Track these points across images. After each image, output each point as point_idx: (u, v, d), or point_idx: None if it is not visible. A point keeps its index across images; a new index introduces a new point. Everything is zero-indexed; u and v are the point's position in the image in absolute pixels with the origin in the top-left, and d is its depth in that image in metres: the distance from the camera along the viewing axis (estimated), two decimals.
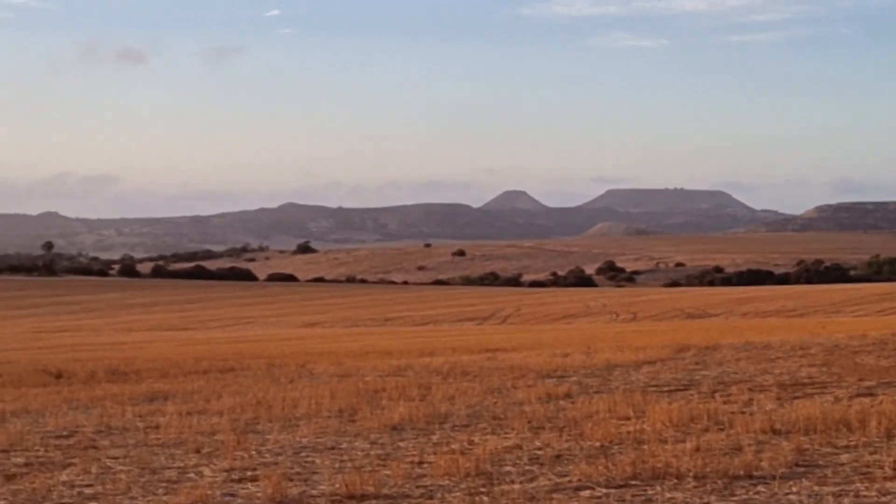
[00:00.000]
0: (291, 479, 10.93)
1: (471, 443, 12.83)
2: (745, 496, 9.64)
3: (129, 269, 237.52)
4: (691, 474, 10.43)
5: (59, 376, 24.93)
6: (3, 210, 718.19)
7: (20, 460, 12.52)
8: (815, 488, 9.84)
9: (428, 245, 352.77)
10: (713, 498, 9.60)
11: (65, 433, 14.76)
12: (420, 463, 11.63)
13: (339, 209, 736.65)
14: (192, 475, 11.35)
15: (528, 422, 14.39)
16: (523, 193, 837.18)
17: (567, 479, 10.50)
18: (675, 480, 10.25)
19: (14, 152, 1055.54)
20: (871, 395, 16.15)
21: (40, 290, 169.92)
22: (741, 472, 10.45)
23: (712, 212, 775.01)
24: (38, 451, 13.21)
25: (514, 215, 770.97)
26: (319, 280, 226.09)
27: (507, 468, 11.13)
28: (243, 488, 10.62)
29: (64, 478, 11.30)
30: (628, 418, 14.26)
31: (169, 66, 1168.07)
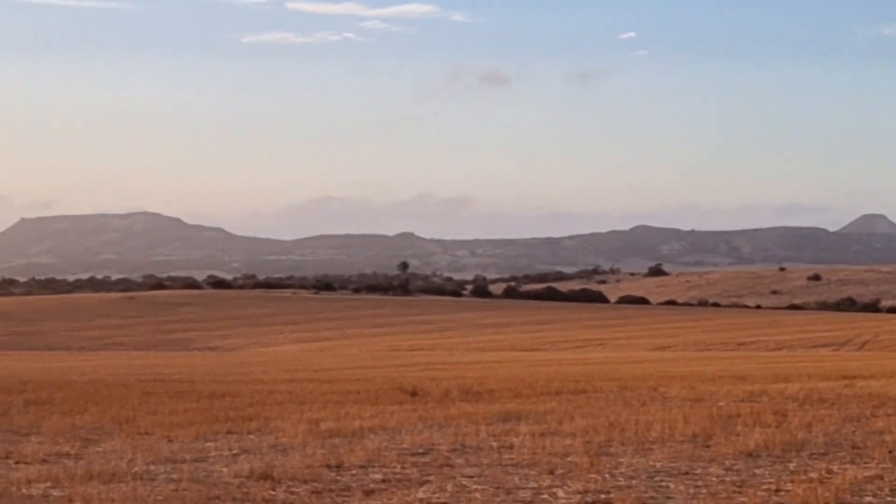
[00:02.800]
0: None
1: (829, 472, 12.44)
2: None
3: (481, 289, 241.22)
4: None
5: (414, 394, 25.44)
6: (362, 230, 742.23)
7: (378, 476, 12.79)
8: None
9: (782, 269, 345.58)
10: None
11: (420, 451, 15.01)
12: (777, 491, 11.34)
13: (692, 232, 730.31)
14: (545, 496, 11.37)
15: (889, 451, 13.86)
16: (882, 217, 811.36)
17: None
18: None
19: (376, 174, 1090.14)
20: None
21: (396, 309, 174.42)
22: None
23: None
24: (394, 467, 13.47)
25: (872, 239, 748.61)
26: (671, 303, 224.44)
27: (868, 499, 10.73)
28: None
29: (420, 495, 11.49)
30: None
31: (532, 89, 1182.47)
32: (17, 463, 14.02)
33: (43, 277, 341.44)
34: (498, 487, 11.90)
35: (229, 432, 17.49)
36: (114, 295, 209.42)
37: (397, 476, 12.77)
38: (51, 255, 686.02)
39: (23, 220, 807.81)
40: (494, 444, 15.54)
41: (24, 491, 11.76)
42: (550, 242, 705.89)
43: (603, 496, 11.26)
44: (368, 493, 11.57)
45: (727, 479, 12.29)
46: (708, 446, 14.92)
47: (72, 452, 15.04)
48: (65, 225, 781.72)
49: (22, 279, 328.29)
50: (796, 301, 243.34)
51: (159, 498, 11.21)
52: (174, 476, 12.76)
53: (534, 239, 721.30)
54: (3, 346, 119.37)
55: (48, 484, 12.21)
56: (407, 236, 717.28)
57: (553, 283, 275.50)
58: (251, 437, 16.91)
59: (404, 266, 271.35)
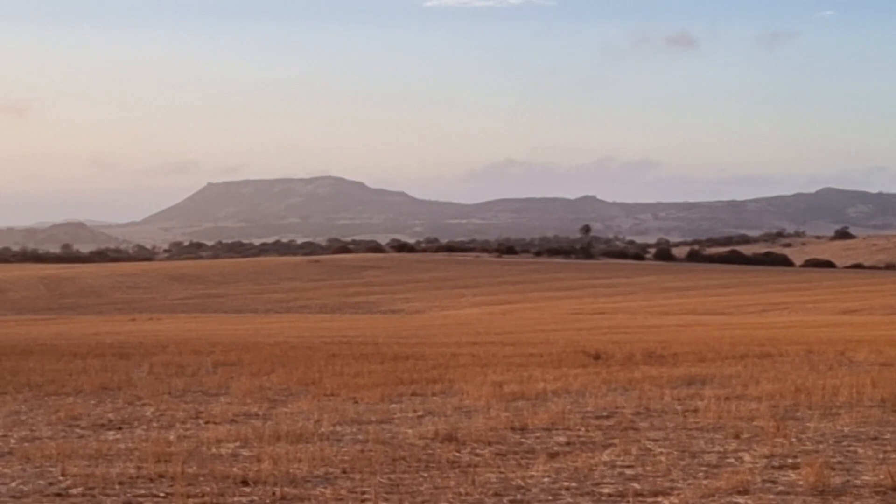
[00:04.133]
0: (833, 468, 10.64)
1: None
2: None
3: (664, 253, 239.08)
4: None
5: (597, 357, 25.35)
6: (543, 194, 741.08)
7: (562, 439, 12.78)
8: None
9: None
10: None
11: (604, 414, 14.96)
12: None
13: (880, 195, 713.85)
14: (731, 460, 11.25)
15: None
16: None
17: None
18: None
19: (559, 138, 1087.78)
20: None
21: (578, 272, 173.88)
22: None
23: None
24: (579, 430, 13.45)
25: None
26: (857, 267, 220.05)
27: None
28: (784, 475, 10.42)
29: (605, 458, 11.45)
30: None
31: (719, 52, 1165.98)
32: (206, 423, 14.33)
33: (229, 241, 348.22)
34: (683, 451, 11.81)
35: (413, 394, 17.63)
36: (299, 258, 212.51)
37: (581, 439, 12.75)
38: (237, 219, 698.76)
39: (209, 184, 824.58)
40: (679, 408, 15.42)
41: (213, 450, 12.01)
42: (734, 206, 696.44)
43: (790, 460, 11.10)
44: (553, 456, 11.57)
45: None
46: None
47: (259, 413, 15.32)
48: (250, 189, 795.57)
49: (209, 243, 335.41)
50: None
51: (345, 458, 11.35)
52: (360, 437, 12.91)
53: (717, 202, 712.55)
54: (192, 309, 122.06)
55: (237, 443, 12.45)
56: (589, 200, 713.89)
57: (737, 247, 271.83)
58: (435, 399, 17.02)
59: (586, 229, 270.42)
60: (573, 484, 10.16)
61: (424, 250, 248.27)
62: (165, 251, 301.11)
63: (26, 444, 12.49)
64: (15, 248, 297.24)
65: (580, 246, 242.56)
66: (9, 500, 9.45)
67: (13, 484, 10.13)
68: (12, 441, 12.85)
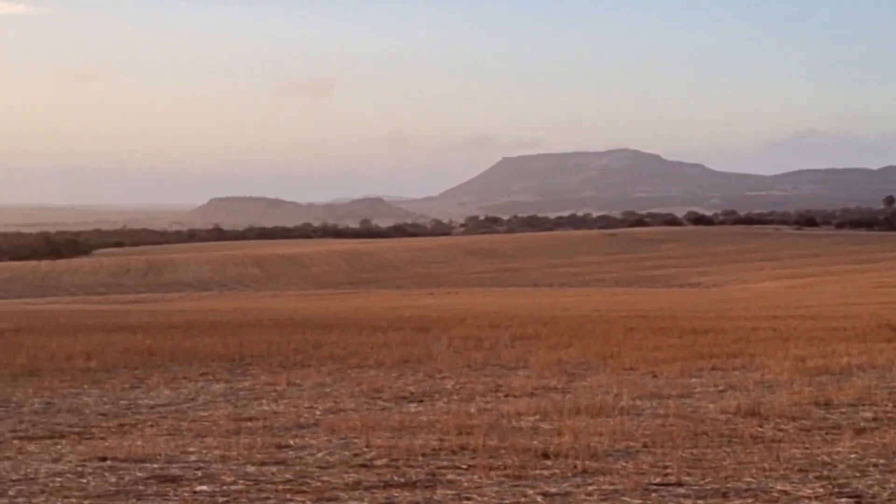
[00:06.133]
0: None
1: None
2: None
3: None
4: None
5: None
6: (845, 164, 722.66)
7: (868, 415, 12.40)
8: None
9: None
10: None
11: None
12: None
13: None
14: None
15: None
16: None
17: None
18: None
19: (864, 106, 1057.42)
20: None
21: (881, 244, 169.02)
22: None
23: None
24: (886, 406, 13.03)
25: None
26: None
27: None
28: None
29: None
30: None
31: None
32: (506, 396, 14.41)
33: (524, 215, 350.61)
34: None
35: (714, 368, 17.39)
36: (594, 232, 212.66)
37: (889, 415, 12.35)
38: (531, 192, 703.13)
39: (504, 159, 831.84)
40: None
41: (513, 423, 12.07)
42: None
43: None
44: (859, 432, 11.23)
45: None
46: None
47: (558, 386, 15.34)
48: (544, 163, 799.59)
49: (504, 217, 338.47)
50: None
51: (646, 432, 11.25)
52: (660, 411, 12.79)
53: None
54: (488, 283, 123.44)
55: (537, 417, 12.48)
56: (893, 170, 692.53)
57: None
58: (736, 373, 16.75)
59: (890, 200, 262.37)
60: (881, 461, 9.83)
61: (722, 223, 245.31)
62: (461, 226, 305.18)
63: (331, 416, 12.79)
64: (316, 224, 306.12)
65: (884, 217, 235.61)
66: (316, 470, 9.68)
67: (320, 454, 10.38)
68: (318, 413, 13.18)
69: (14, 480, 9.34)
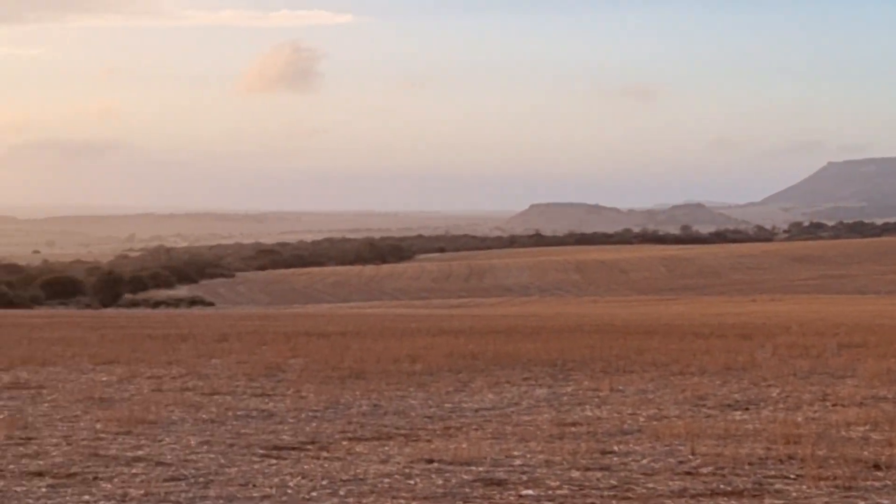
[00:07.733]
0: None
1: None
2: None
3: None
4: None
5: None
6: None
7: None
8: None
9: None
10: None
11: None
12: None
13: None
14: None
15: None
16: None
17: None
18: None
19: None
20: None
21: None
22: None
23: None
24: None
25: None
26: None
27: None
28: None
29: None
30: None
31: None
32: (833, 405, 14.06)
33: (850, 221, 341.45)
34: None
35: None
36: None
37: None
38: (858, 198, 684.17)
39: (829, 163, 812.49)
40: None
41: (842, 433, 11.77)
42: None
43: None
44: None
45: None
46: None
47: (888, 396, 14.87)
48: (874, 168, 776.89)
49: (829, 223, 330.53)
50: None
51: None
52: None
53: None
54: (812, 290, 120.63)
55: (867, 427, 12.13)
56: None
57: None
58: None
59: None
60: None
61: None
62: (784, 231, 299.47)
63: (655, 423, 12.71)
64: (635, 230, 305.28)
65: None
66: (641, 476, 9.64)
67: (644, 461, 10.33)
68: (641, 419, 13.12)
69: (344, 480, 9.61)
